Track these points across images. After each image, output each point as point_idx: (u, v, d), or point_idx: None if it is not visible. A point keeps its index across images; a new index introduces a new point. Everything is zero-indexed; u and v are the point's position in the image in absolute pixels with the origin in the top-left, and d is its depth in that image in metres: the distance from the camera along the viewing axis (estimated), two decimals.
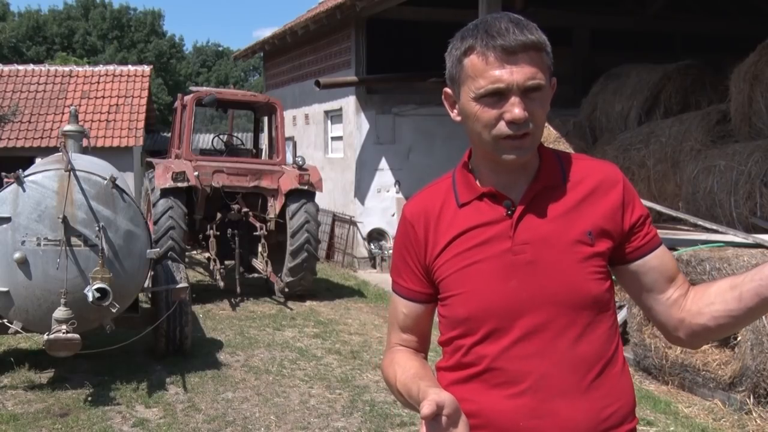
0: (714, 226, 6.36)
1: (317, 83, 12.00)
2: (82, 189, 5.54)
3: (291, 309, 9.21)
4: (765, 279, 1.41)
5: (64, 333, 5.27)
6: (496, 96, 1.45)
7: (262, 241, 9.42)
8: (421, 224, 1.61)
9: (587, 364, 1.50)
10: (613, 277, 1.61)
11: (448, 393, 1.38)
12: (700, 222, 6.53)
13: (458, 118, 1.56)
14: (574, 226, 1.52)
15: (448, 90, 1.57)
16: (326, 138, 14.26)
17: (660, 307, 1.58)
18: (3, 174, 5.73)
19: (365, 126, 12.66)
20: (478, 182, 1.59)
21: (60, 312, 5.34)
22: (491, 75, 1.44)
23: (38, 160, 7.58)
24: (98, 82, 18.97)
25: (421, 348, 1.70)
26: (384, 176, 12.78)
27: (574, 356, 1.49)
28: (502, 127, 1.46)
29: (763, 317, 5.07)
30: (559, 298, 1.49)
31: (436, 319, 1.69)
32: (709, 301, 1.50)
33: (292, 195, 9.33)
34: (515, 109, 1.43)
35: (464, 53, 1.48)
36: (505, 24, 1.44)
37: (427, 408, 1.30)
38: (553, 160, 1.59)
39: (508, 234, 1.52)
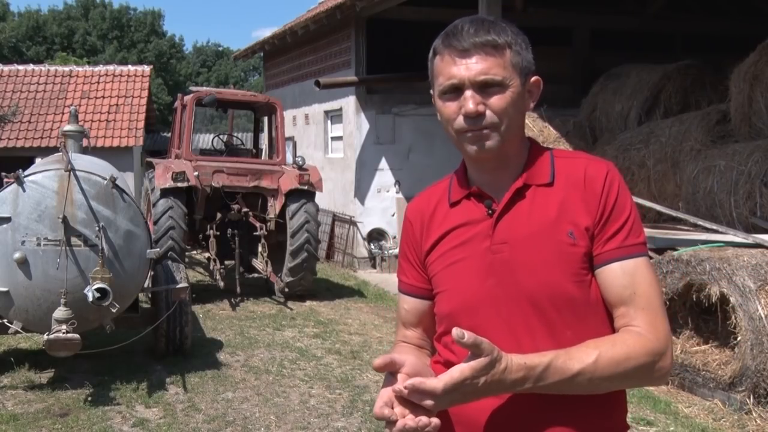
0: (714, 226, 6.36)
1: (317, 83, 12.00)
2: (82, 189, 5.54)
3: (291, 309, 9.21)
4: None
5: (64, 333, 5.27)
6: (454, 92, 1.51)
7: (262, 241, 9.42)
8: (418, 222, 1.67)
9: None
10: None
11: (416, 359, 1.45)
12: (700, 222, 6.53)
13: (439, 118, 1.61)
14: (556, 225, 1.50)
15: (431, 91, 1.63)
16: (326, 138, 14.27)
17: None
18: (3, 174, 5.73)
19: (365, 126, 12.66)
20: (468, 182, 1.62)
21: (60, 312, 5.34)
22: (447, 72, 1.51)
23: (38, 160, 7.58)
24: (98, 82, 18.98)
25: (425, 344, 1.71)
26: (384, 176, 12.78)
27: None
28: (460, 121, 1.51)
29: (761, 312, 5.07)
30: (536, 298, 1.48)
31: None
32: None
33: (292, 195, 9.33)
34: (467, 102, 1.49)
35: (432, 56, 1.57)
36: (464, 25, 1.52)
37: (379, 359, 1.38)
38: (543, 159, 1.58)
39: (488, 233, 1.53)
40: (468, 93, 1.49)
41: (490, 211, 1.55)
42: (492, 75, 1.48)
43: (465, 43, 1.49)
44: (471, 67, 1.48)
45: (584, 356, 1.38)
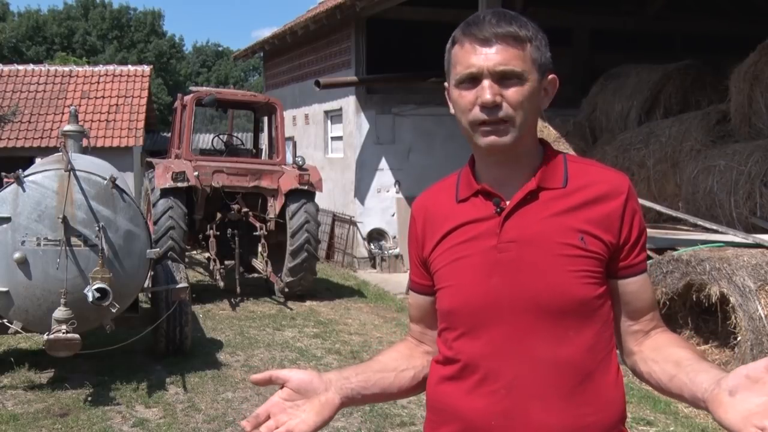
0: (714, 226, 6.36)
1: (317, 83, 12.00)
2: (82, 189, 5.54)
3: (291, 309, 9.21)
4: (691, 383, 1.40)
5: (64, 333, 5.27)
6: (472, 81, 1.48)
7: (262, 241, 9.43)
8: (421, 218, 1.65)
9: (569, 369, 1.47)
10: None
11: (308, 372, 1.51)
12: (700, 222, 6.53)
13: (452, 111, 1.58)
14: (567, 228, 1.49)
15: (446, 83, 1.60)
16: (326, 138, 14.27)
17: (619, 328, 1.59)
18: (3, 174, 5.73)
19: (365, 126, 12.66)
20: (476, 179, 1.59)
21: (60, 312, 5.34)
22: (465, 61, 1.48)
23: (38, 160, 7.58)
24: (98, 82, 18.98)
25: (425, 339, 1.72)
26: (384, 176, 12.78)
27: (554, 359, 1.46)
28: (476, 112, 1.48)
29: (761, 312, 5.07)
30: (541, 299, 1.47)
31: None
32: (655, 359, 1.53)
33: (292, 195, 9.33)
34: (485, 92, 1.45)
35: (451, 45, 1.54)
36: (486, 16, 1.49)
37: (256, 375, 1.49)
38: (557, 162, 1.57)
39: (495, 231, 1.51)
40: (486, 83, 1.45)
41: (498, 209, 1.53)
42: (512, 66, 1.46)
43: (486, 32, 1.46)
44: (491, 56, 1.45)
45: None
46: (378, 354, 1.72)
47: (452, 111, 1.58)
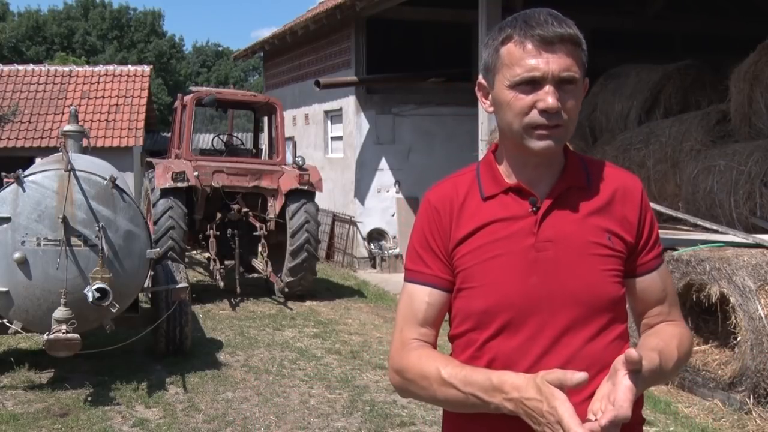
0: (714, 226, 6.36)
1: (317, 83, 12.01)
2: (82, 189, 5.54)
3: (291, 309, 9.21)
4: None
5: (64, 333, 5.27)
6: (531, 84, 1.46)
7: (262, 241, 9.43)
8: (447, 210, 1.59)
9: (599, 366, 1.50)
10: None
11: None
12: (700, 222, 6.52)
13: (490, 109, 1.57)
14: (596, 228, 1.53)
15: (482, 81, 1.58)
16: (326, 138, 14.27)
17: (633, 317, 1.67)
18: (3, 174, 5.73)
19: (365, 126, 12.66)
20: (503, 176, 1.59)
21: (60, 312, 5.34)
22: (527, 63, 1.45)
23: (38, 160, 7.58)
24: (98, 82, 18.97)
25: (434, 344, 1.65)
26: (384, 176, 12.79)
27: (587, 356, 1.49)
28: (534, 116, 1.46)
29: (761, 312, 5.07)
30: (579, 298, 1.50)
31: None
32: (639, 345, 1.58)
33: (292, 195, 9.34)
34: (549, 97, 1.44)
35: (502, 42, 1.50)
36: (544, 16, 1.47)
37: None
38: (577, 162, 1.60)
39: (532, 230, 1.52)
40: (549, 88, 1.44)
41: (534, 208, 1.53)
42: (572, 73, 1.46)
43: (550, 32, 1.44)
44: (555, 61, 1.44)
45: (673, 353, 1.52)
46: (453, 366, 1.51)
47: (488, 108, 1.57)
